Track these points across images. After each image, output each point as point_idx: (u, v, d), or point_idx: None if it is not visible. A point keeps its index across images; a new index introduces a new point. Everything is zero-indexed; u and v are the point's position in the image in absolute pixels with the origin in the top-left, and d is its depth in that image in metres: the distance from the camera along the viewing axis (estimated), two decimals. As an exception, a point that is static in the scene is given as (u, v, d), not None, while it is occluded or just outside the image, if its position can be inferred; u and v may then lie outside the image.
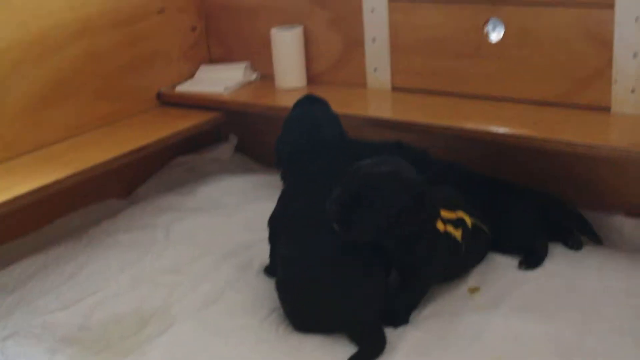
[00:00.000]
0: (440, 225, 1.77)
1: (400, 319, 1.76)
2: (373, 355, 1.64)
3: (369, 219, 1.67)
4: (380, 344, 1.66)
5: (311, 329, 1.75)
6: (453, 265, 1.87)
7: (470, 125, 2.15)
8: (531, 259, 1.96)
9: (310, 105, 2.06)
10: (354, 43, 2.50)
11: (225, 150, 2.77)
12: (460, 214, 1.84)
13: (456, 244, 1.82)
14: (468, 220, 1.86)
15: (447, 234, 1.79)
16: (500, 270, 1.95)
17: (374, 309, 1.72)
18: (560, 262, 1.96)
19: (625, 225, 2.11)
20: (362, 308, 1.71)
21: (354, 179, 1.70)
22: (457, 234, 1.82)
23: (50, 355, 1.75)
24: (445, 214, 1.80)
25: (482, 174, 2.17)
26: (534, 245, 2.00)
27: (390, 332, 1.71)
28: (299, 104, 2.08)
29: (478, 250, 1.96)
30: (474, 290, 1.88)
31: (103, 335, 1.82)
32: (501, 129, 2.10)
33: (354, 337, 1.69)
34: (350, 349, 1.67)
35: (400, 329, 1.74)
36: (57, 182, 2.10)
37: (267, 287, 1.92)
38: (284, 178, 1.97)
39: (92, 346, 1.78)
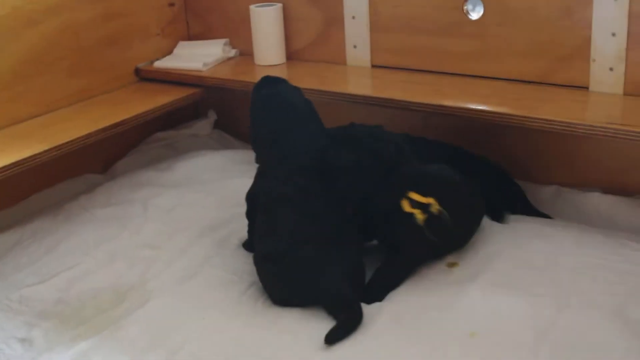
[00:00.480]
0: (405, 206, 1.76)
1: (374, 296, 1.76)
2: (350, 329, 1.65)
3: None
4: (356, 318, 1.66)
5: (289, 303, 1.75)
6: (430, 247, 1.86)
7: (449, 102, 2.15)
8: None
9: (276, 86, 2.03)
10: (334, 20, 2.49)
11: (204, 127, 2.76)
12: (431, 200, 1.79)
13: (419, 227, 1.80)
14: (435, 208, 1.80)
15: (411, 215, 1.79)
16: (479, 245, 1.96)
17: (349, 283, 1.72)
18: (537, 238, 1.97)
19: (602, 202, 2.13)
20: (338, 281, 1.71)
21: None
22: (420, 217, 1.80)
23: (27, 329, 1.75)
24: (414, 196, 1.78)
25: (442, 142, 2.17)
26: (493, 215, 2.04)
27: (366, 306, 1.71)
28: (262, 86, 2.03)
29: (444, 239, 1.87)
30: (452, 265, 1.89)
31: (80, 309, 1.81)
32: (480, 106, 2.11)
33: (330, 311, 1.69)
34: (328, 323, 1.67)
35: (376, 303, 1.74)
36: (33, 157, 2.08)
37: (245, 262, 1.92)
38: (258, 160, 1.96)
39: (69, 320, 1.77)
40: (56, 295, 1.87)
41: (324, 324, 1.67)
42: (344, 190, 1.80)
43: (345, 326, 1.65)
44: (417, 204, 1.78)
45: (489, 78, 2.28)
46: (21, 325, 1.76)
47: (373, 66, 2.46)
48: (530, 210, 2.13)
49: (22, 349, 1.69)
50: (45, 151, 2.10)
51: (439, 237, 1.81)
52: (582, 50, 2.13)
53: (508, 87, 2.23)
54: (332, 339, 1.62)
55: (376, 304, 1.74)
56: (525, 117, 2.04)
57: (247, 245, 1.99)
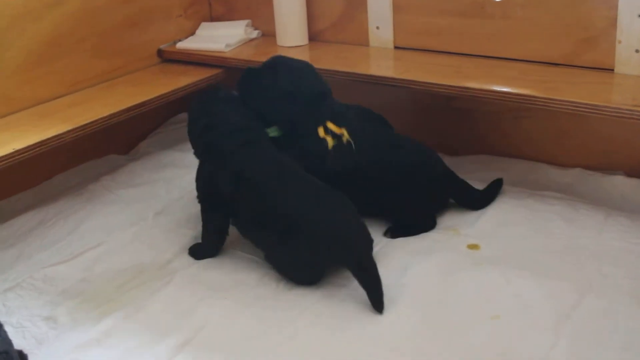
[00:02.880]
0: (321, 132, 1.95)
1: None
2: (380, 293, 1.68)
3: None
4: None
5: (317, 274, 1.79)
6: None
7: (473, 84, 2.13)
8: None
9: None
10: (356, 1, 2.48)
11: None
12: (343, 130, 1.96)
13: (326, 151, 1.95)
14: (345, 138, 1.96)
15: (323, 141, 1.95)
16: (500, 228, 1.95)
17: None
18: (560, 221, 1.96)
19: (626, 185, 2.11)
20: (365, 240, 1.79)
21: None
22: (330, 143, 1.95)
23: (51, 307, 1.77)
24: (330, 125, 1.95)
25: (380, 115, 2.17)
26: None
27: (389, 287, 1.71)
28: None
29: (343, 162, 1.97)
30: (473, 247, 1.88)
31: (103, 288, 1.83)
32: (504, 88, 2.09)
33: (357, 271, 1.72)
34: (348, 304, 1.68)
35: (399, 284, 1.74)
36: (57, 138, 2.08)
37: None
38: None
39: (93, 299, 1.79)
40: (80, 274, 1.89)
41: (344, 305, 1.69)
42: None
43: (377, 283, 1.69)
44: (330, 132, 1.96)
45: (513, 60, 2.26)
46: (45, 304, 1.78)
47: (396, 47, 2.44)
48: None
49: (46, 326, 1.71)
50: (69, 131, 2.11)
51: (341, 164, 1.96)
52: (607, 31, 2.10)
53: (532, 69, 2.20)
54: (379, 304, 1.67)
55: (398, 285, 1.74)
56: (550, 99, 2.01)
57: (201, 252, 1.95)
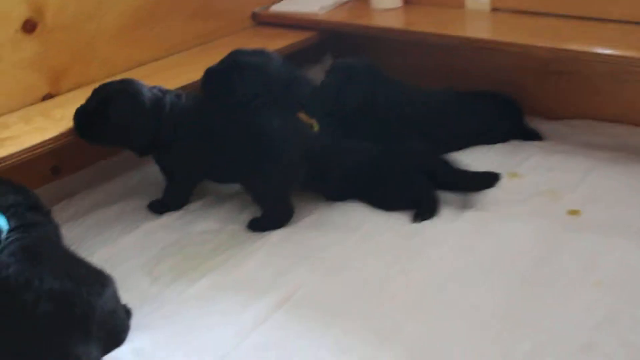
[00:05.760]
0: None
1: None
2: None
3: None
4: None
5: None
6: None
7: (574, 46, 2.08)
8: None
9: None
10: (453, -38, 2.44)
11: (319, 71, 2.75)
12: (313, 121, 2.00)
13: None
14: (316, 128, 2.00)
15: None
16: (603, 194, 1.91)
17: None
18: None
19: None
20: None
21: None
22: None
23: (152, 264, 1.82)
24: (302, 116, 2.00)
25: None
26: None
27: (487, 252, 1.70)
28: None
29: None
30: (574, 212, 1.85)
31: (201, 247, 1.87)
32: (606, 50, 2.03)
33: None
34: (441, 272, 1.67)
35: (498, 249, 1.73)
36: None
37: (362, 211, 1.94)
38: None
39: (192, 257, 1.83)
40: (179, 233, 1.93)
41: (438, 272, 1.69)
42: None
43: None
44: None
45: (614, 21, 2.18)
46: (147, 261, 1.83)
47: (493, 9, 2.39)
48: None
49: (148, 282, 1.75)
50: (169, 93, 2.14)
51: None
52: None
53: (635, 30, 2.13)
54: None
55: (496, 250, 1.73)
56: (655, 61, 1.95)
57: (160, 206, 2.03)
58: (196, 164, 1.98)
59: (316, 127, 2.02)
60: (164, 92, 1.97)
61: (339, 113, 2.11)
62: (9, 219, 1.59)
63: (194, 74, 2.24)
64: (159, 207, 2.03)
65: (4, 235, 1.56)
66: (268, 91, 2.00)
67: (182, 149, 1.95)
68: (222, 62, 2.05)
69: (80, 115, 1.91)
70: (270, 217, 1.93)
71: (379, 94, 2.14)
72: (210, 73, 2.04)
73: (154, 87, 1.96)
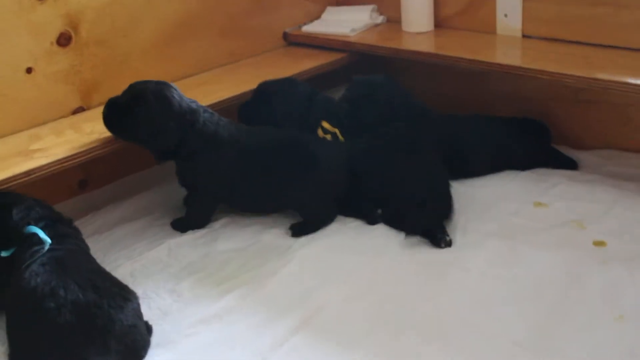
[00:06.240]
0: (320, 132, 2.14)
1: None
2: None
3: None
4: None
5: None
6: None
7: (604, 75, 2.07)
8: None
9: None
10: (485, -13, 2.44)
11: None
12: (336, 130, 2.14)
13: None
14: (340, 136, 2.15)
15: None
16: (627, 225, 1.89)
17: None
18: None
19: None
20: None
21: None
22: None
23: (175, 281, 1.83)
24: (325, 124, 2.13)
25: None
26: None
27: (511, 280, 1.70)
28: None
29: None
30: (599, 244, 1.83)
31: (225, 265, 1.87)
32: (637, 81, 2.01)
33: None
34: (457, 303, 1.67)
35: (524, 278, 1.73)
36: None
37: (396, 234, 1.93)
38: None
39: (215, 275, 1.84)
40: (202, 250, 1.94)
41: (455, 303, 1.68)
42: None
43: None
44: (327, 131, 2.14)
45: (648, 51, 2.18)
46: (170, 278, 1.84)
47: (524, 36, 2.39)
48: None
49: (170, 299, 1.76)
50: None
51: None
52: None
53: (668, 61, 2.12)
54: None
55: (521, 279, 1.73)
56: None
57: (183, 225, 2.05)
58: (220, 185, 2.00)
59: (340, 137, 2.13)
60: (200, 106, 1.99)
61: (357, 128, 2.13)
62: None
63: (225, 92, 2.27)
64: (181, 226, 2.04)
65: (46, 248, 1.60)
66: (292, 114, 2.11)
67: (206, 162, 1.97)
68: (252, 94, 2.20)
69: (111, 106, 1.94)
70: (312, 221, 1.99)
71: (397, 109, 2.16)
72: (241, 107, 2.19)
73: (192, 100, 1.99)
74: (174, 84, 1.99)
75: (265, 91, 2.18)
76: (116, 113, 1.93)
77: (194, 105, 1.97)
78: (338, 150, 2.07)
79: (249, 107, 2.18)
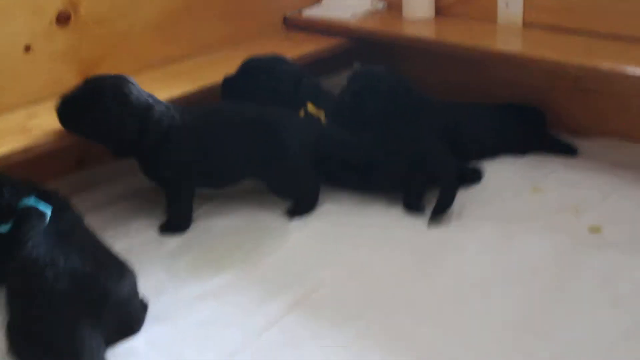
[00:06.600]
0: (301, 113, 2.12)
1: None
2: None
3: None
4: None
5: None
6: None
7: (605, 64, 2.06)
8: None
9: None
10: (487, -25, 2.43)
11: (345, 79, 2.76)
12: (321, 112, 2.14)
13: None
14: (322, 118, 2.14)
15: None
16: (625, 212, 1.90)
17: None
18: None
19: None
20: None
21: None
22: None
23: (172, 259, 1.83)
24: (310, 107, 2.12)
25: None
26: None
27: (504, 267, 1.70)
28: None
29: None
30: (595, 230, 1.83)
31: (221, 244, 1.88)
32: (637, 70, 2.01)
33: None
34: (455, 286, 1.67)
35: (517, 264, 1.73)
36: (184, 96, 2.13)
37: (385, 213, 1.95)
38: None
39: (211, 253, 1.84)
40: (199, 228, 1.95)
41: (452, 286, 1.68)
42: None
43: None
44: (309, 114, 2.13)
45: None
46: (166, 255, 1.84)
47: (524, 25, 2.39)
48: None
49: (166, 276, 1.76)
50: (197, 91, 2.15)
51: None
52: None
53: (668, 51, 2.12)
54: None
55: (514, 265, 1.73)
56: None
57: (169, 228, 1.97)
58: (189, 169, 1.96)
59: (323, 118, 2.14)
60: (157, 101, 1.93)
61: (360, 120, 2.13)
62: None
63: (222, 75, 2.26)
64: (169, 227, 1.96)
65: (47, 219, 1.60)
66: (276, 91, 2.11)
67: (172, 154, 1.92)
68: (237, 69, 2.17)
69: (66, 103, 1.87)
70: (300, 202, 2.00)
71: (399, 101, 2.15)
72: (225, 80, 2.16)
73: (149, 95, 1.92)
74: (131, 78, 1.93)
75: (252, 66, 2.17)
76: (72, 109, 1.86)
77: (150, 100, 1.90)
78: (303, 124, 2.07)
79: (233, 81, 2.16)
